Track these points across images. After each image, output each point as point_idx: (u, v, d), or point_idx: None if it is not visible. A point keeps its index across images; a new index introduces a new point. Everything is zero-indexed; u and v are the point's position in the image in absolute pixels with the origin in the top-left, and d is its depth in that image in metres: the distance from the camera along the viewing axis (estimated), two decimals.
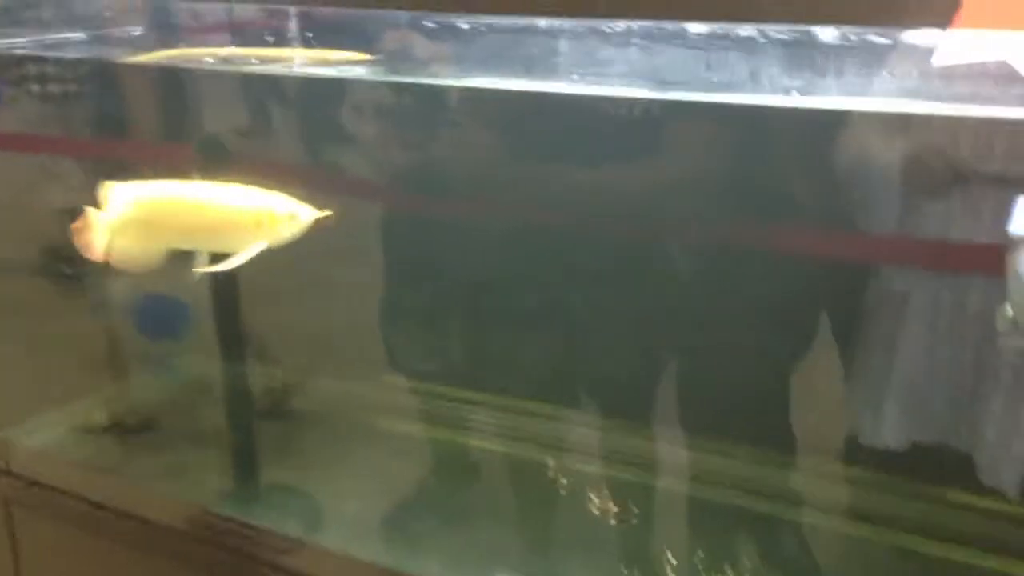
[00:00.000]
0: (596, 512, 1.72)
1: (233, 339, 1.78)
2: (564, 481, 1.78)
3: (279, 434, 1.92)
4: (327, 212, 1.20)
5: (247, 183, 1.23)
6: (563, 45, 1.32)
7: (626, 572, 1.60)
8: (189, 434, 1.98)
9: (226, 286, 1.72)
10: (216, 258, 1.22)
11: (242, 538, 1.63)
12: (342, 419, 2.00)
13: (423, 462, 1.93)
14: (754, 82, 1.20)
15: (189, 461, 1.88)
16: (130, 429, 1.95)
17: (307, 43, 1.53)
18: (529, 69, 1.36)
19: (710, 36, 1.19)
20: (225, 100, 1.93)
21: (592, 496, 1.74)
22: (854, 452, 1.45)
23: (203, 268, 1.21)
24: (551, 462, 1.81)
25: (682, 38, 1.20)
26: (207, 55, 1.59)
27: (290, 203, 1.20)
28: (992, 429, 1.22)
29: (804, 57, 1.15)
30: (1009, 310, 1.11)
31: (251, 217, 1.19)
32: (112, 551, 1.72)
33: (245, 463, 1.83)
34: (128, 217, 1.21)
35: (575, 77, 1.36)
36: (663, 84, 1.30)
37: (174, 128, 2.01)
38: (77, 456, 1.92)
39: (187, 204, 1.21)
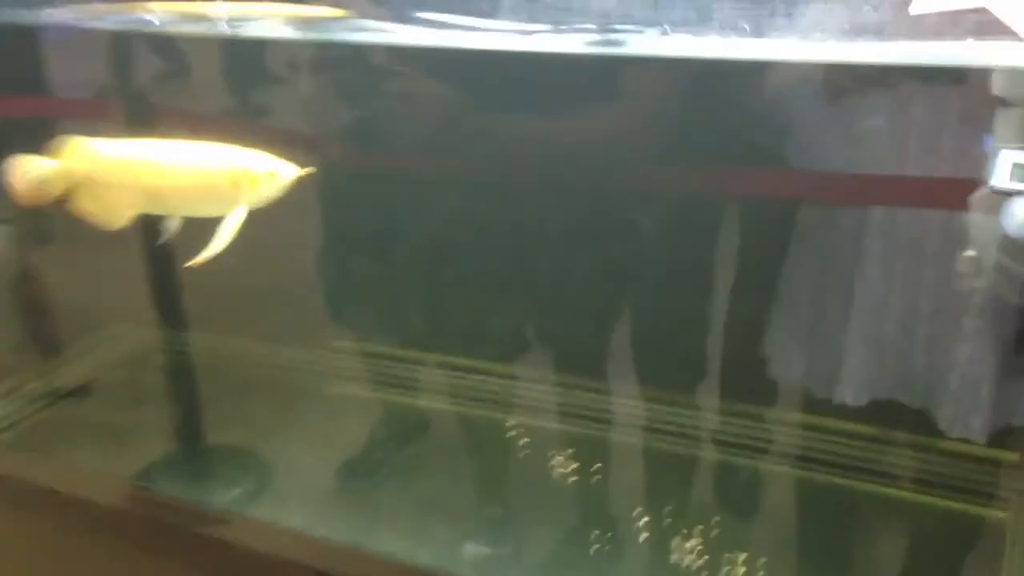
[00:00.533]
0: (551, 467, 1.74)
1: (169, 304, 1.69)
2: (518, 439, 1.79)
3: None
4: (308, 168, 1.14)
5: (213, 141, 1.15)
6: None
7: (583, 526, 1.63)
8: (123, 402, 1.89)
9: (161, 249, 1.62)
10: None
11: (178, 512, 1.58)
12: (290, 384, 1.94)
13: (369, 425, 1.90)
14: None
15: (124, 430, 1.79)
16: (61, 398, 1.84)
17: None
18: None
19: None
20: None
21: (546, 452, 1.75)
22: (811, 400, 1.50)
23: (194, 261, 1.11)
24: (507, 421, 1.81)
25: None
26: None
27: (269, 160, 1.12)
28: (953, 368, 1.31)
29: None
30: (972, 251, 1.20)
31: (227, 177, 1.11)
32: (52, 533, 1.64)
33: (188, 431, 1.76)
34: (93, 176, 1.12)
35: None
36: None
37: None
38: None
39: (158, 164, 1.12)
